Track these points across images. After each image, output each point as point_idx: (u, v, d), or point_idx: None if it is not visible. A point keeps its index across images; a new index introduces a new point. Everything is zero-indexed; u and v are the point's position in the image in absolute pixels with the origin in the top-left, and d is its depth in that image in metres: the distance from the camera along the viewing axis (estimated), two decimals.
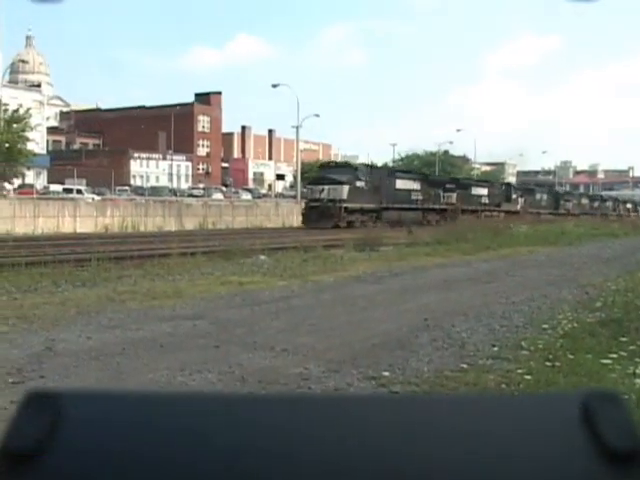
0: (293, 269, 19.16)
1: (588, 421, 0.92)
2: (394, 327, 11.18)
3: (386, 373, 8.09)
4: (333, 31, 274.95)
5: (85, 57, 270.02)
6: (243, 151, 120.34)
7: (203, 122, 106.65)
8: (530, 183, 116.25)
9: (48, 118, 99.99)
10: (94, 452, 0.88)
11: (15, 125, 64.88)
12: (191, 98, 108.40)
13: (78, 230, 45.34)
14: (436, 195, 68.88)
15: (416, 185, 66.10)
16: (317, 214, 52.82)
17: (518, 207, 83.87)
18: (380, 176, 60.08)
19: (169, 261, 20.03)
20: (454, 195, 70.86)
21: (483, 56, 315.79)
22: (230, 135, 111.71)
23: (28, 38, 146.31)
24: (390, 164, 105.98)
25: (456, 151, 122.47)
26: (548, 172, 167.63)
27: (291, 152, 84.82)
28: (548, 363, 8.38)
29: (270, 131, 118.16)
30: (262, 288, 15.35)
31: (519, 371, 8.03)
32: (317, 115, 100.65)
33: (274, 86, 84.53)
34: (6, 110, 66.08)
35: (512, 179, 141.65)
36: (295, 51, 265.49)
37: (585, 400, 0.95)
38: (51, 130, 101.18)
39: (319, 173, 60.12)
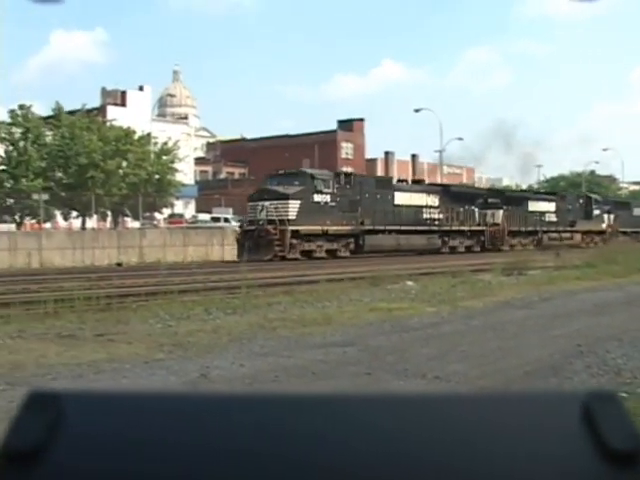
0: (441, 295, 19.01)
1: (588, 421, 0.94)
2: (546, 353, 10.98)
3: None
4: (474, 54, 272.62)
5: (230, 88, 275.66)
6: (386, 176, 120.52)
7: (346, 149, 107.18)
8: None
9: (195, 149, 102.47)
10: (94, 451, 0.90)
11: (164, 157, 66.95)
12: (334, 125, 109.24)
13: (226, 258, 46.10)
14: (467, 213, 54.33)
15: (431, 199, 51.54)
16: (252, 241, 39.87)
17: (603, 226, 69.40)
18: (361, 188, 45.50)
19: (317, 287, 20.20)
20: (499, 213, 57.01)
21: (628, 72, 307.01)
22: (374, 161, 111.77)
23: (175, 73, 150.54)
24: (535, 186, 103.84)
25: (603, 171, 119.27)
26: None
27: (435, 176, 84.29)
28: None
29: (413, 156, 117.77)
30: (411, 314, 15.28)
31: None
32: (460, 138, 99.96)
33: (417, 111, 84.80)
34: (156, 143, 68.14)
35: None
36: (438, 75, 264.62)
37: (585, 401, 0.96)
38: (198, 161, 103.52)
39: (262, 185, 46.83)
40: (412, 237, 47.65)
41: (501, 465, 0.91)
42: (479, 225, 55.05)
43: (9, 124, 62.47)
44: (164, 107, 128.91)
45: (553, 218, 63.51)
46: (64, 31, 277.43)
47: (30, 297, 17.67)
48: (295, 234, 39.98)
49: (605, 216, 71.43)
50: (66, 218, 63.66)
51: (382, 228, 45.33)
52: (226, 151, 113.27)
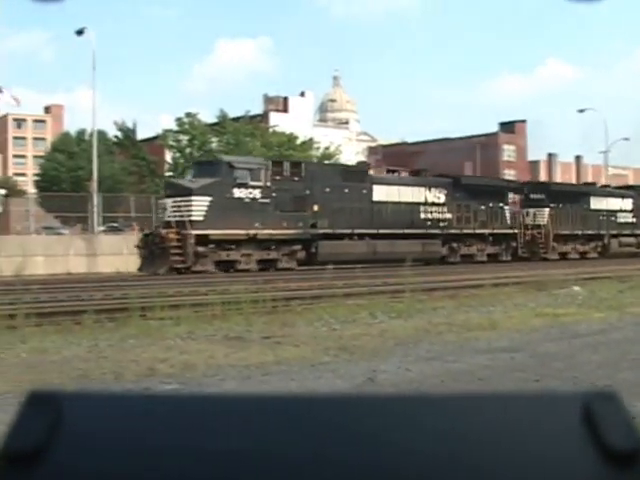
0: (609, 300, 18.48)
1: (589, 421, 0.93)
2: None
3: None
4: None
5: (389, 91, 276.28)
6: (550, 179, 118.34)
7: (508, 151, 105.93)
8: None
9: (357, 153, 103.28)
10: (94, 452, 0.91)
11: (327, 162, 67.73)
12: (495, 127, 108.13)
13: None
14: (491, 211, 43.10)
15: (433, 195, 40.90)
16: (148, 250, 31.84)
17: None
18: (315, 180, 35.36)
19: (481, 292, 20.04)
20: (543, 212, 45.74)
21: None
22: (536, 163, 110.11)
23: (335, 78, 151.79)
24: None
25: None
26: None
27: (599, 178, 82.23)
28: None
29: (577, 157, 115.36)
30: (578, 320, 14.92)
31: None
32: (626, 139, 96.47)
33: (580, 111, 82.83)
34: (318, 148, 69.14)
35: None
36: (604, 74, 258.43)
37: (586, 401, 0.96)
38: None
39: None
40: (397, 243, 37.06)
41: (501, 465, 0.91)
42: (510, 228, 44.09)
43: (176, 132, 64.51)
44: (325, 112, 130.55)
45: (628, 218, 51.45)
46: (229, 39, 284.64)
47: (199, 299, 18.15)
48: (203, 240, 31.44)
49: None
50: None
51: (348, 232, 35.94)
52: (387, 155, 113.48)
